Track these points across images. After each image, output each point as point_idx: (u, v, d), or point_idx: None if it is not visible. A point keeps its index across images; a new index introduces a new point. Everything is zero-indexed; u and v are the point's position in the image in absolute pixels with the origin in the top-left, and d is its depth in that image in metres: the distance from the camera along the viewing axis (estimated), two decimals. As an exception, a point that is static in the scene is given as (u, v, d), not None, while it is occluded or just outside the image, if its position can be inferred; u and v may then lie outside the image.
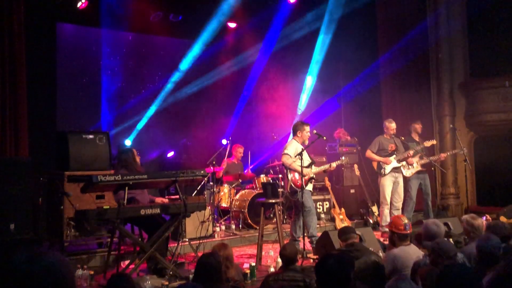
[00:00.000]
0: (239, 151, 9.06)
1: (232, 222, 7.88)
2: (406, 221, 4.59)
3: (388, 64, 10.17)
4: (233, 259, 4.12)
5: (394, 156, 7.77)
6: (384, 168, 7.75)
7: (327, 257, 2.80)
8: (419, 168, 8.03)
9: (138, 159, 5.81)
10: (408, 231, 4.54)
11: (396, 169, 7.79)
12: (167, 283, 4.54)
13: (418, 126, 8.26)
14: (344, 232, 4.69)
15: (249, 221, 7.81)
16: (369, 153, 7.90)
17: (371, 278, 3.99)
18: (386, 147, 7.85)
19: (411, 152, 7.80)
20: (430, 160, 8.06)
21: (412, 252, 4.36)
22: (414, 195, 8.09)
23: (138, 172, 5.38)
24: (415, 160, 7.94)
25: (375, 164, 7.92)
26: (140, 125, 9.91)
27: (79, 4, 8.04)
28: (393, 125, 7.88)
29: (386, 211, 7.74)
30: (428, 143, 7.96)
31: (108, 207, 4.89)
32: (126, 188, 4.88)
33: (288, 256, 3.97)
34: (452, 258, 3.68)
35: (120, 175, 4.95)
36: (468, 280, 2.36)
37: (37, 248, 1.32)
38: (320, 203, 8.82)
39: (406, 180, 8.06)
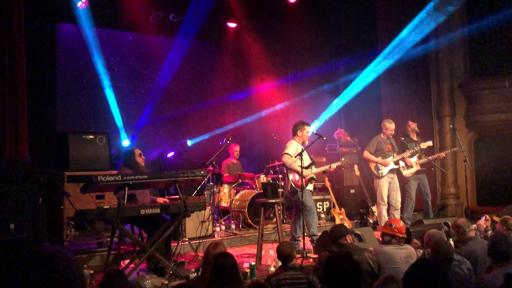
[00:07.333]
0: (236, 149, 9.04)
1: (232, 222, 7.88)
2: (401, 224, 4.64)
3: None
4: None
5: (391, 157, 7.75)
6: (382, 170, 7.73)
7: (339, 258, 2.81)
8: (418, 168, 8.01)
9: (142, 159, 5.77)
10: (400, 235, 4.57)
11: (392, 170, 7.78)
12: (167, 282, 4.54)
13: (413, 125, 8.20)
14: (337, 234, 4.66)
15: (249, 221, 7.81)
16: (366, 154, 7.87)
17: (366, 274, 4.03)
18: (383, 148, 7.82)
19: (408, 153, 7.78)
20: (428, 159, 8.05)
21: (401, 253, 4.38)
22: (413, 195, 8.07)
23: (139, 173, 5.38)
24: (413, 161, 7.93)
25: (372, 166, 7.89)
26: (140, 125, 9.90)
27: (79, 4, 8.04)
28: (392, 126, 7.85)
29: (384, 211, 7.74)
30: (424, 145, 7.91)
31: (108, 207, 4.90)
32: (126, 188, 4.88)
33: (284, 251, 3.95)
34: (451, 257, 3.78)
35: (120, 175, 4.97)
36: (433, 278, 2.37)
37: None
38: (320, 203, 8.82)
39: (405, 180, 8.05)
